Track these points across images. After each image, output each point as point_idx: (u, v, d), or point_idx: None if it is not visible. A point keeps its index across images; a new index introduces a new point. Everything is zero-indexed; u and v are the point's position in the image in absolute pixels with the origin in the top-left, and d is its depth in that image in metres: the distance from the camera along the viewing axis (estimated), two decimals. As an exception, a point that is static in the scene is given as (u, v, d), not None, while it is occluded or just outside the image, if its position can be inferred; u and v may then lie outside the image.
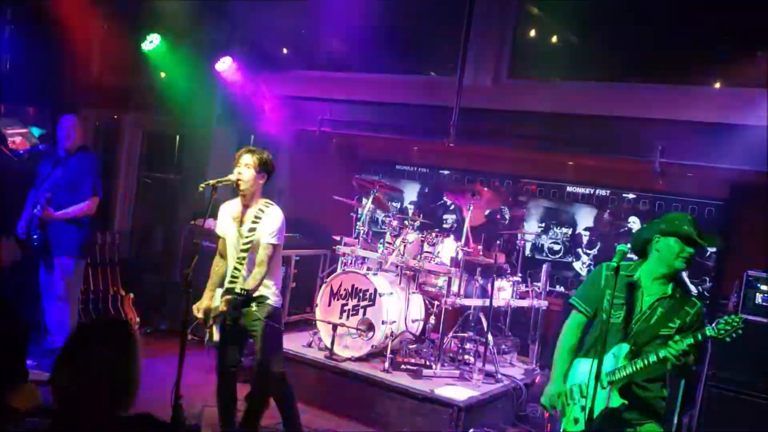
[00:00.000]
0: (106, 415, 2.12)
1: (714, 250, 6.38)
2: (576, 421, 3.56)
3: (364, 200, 6.68)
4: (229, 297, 4.13)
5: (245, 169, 4.27)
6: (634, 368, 3.42)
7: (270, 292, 4.38)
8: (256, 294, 4.31)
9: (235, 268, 4.31)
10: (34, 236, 5.68)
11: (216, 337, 4.28)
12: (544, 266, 6.62)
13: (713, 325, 3.29)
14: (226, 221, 4.44)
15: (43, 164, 5.90)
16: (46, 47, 8.08)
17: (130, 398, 2.17)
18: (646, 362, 3.39)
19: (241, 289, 4.14)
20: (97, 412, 2.10)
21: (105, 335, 2.18)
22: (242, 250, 4.30)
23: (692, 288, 6.42)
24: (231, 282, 4.30)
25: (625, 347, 3.50)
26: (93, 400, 2.09)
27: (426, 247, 6.17)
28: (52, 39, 7.89)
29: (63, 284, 5.75)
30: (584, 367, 3.56)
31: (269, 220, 4.29)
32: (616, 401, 3.48)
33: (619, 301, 3.58)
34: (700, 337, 3.29)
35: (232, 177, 4.27)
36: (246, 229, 4.30)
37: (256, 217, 4.30)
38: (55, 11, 7.75)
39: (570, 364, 3.68)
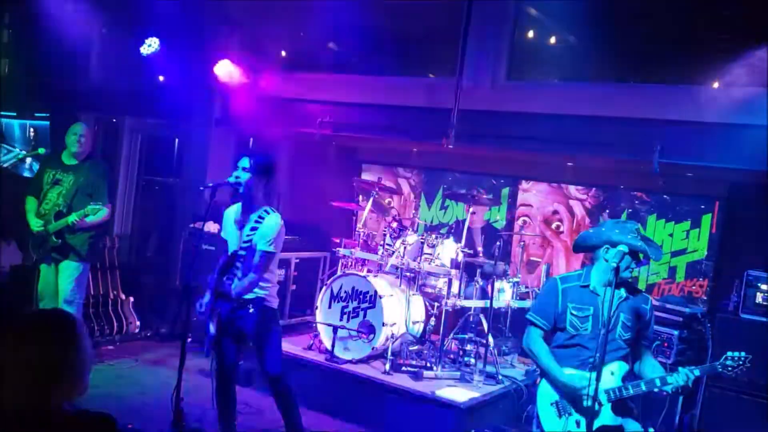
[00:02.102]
0: (41, 406, 2.03)
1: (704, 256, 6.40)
2: None
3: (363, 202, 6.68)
4: None
5: (243, 172, 4.29)
6: (636, 391, 3.45)
7: (266, 293, 4.40)
8: (252, 296, 4.34)
9: (235, 266, 4.32)
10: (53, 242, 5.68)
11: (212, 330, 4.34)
12: (543, 266, 6.61)
13: (721, 360, 3.35)
14: (229, 225, 4.48)
15: (44, 171, 5.87)
16: (45, 51, 8.08)
17: (68, 390, 2.09)
18: (648, 387, 3.43)
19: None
20: (31, 404, 2.02)
21: (33, 328, 2.10)
22: (240, 249, 4.32)
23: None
24: (227, 280, 4.33)
25: (624, 366, 3.54)
26: (24, 392, 2.02)
27: (426, 249, 6.17)
28: (51, 42, 7.89)
29: (72, 288, 5.77)
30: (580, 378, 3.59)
31: (267, 227, 4.30)
32: (614, 419, 3.52)
33: (582, 313, 3.62)
34: (698, 372, 3.36)
35: (231, 180, 4.28)
36: (246, 232, 4.32)
37: (256, 221, 4.31)
38: (54, 15, 7.75)
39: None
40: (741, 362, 3.31)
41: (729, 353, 3.35)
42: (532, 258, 7.30)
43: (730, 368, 3.32)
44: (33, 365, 2.03)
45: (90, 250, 5.81)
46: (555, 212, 7.26)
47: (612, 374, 3.54)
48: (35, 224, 5.64)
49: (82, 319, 2.28)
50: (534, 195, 7.38)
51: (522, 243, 7.02)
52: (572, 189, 7.17)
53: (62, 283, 5.72)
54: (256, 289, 4.32)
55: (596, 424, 3.50)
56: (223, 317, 4.35)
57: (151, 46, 7.31)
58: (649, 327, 3.68)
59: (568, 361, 3.65)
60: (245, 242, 4.31)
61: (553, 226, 7.25)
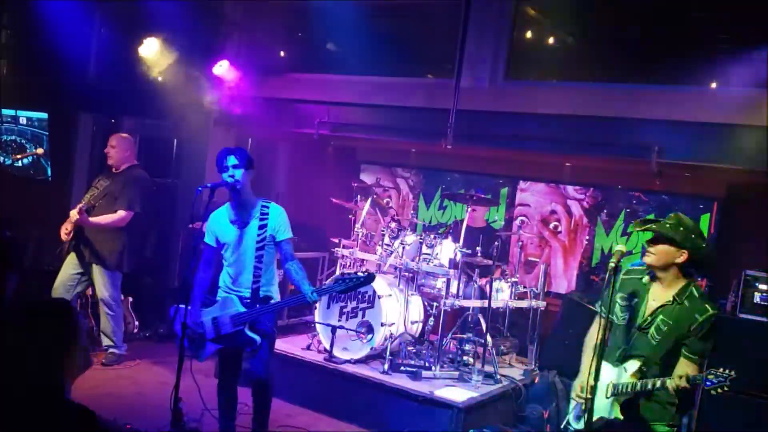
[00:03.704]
0: (39, 394, 2.07)
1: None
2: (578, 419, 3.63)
3: (362, 202, 6.69)
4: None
5: (235, 170, 4.27)
6: (638, 389, 3.44)
7: (274, 291, 4.42)
8: (264, 294, 4.35)
9: (256, 267, 4.30)
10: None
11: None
12: (542, 266, 6.62)
13: (703, 374, 3.27)
14: (224, 227, 4.41)
15: (95, 176, 6.43)
16: (43, 51, 8.07)
17: (66, 379, 2.14)
18: (649, 386, 3.41)
19: (364, 271, 4.42)
20: (27, 392, 2.05)
21: (38, 316, 2.15)
22: (258, 249, 4.31)
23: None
24: (255, 282, 4.31)
25: (634, 364, 3.50)
26: (24, 379, 2.06)
27: (424, 249, 6.18)
28: (50, 42, 7.88)
29: (102, 289, 6.16)
30: (604, 370, 3.59)
31: (277, 217, 4.34)
32: (616, 414, 3.51)
33: (625, 303, 3.61)
34: (689, 382, 3.27)
35: (229, 180, 4.26)
36: (255, 228, 4.31)
37: (262, 214, 4.31)
38: (52, 14, 7.75)
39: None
40: (723, 379, 3.20)
41: (712, 370, 3.25)
42: (530, 258, 7.31)
43: (708, 383, 3.21)
44: (23, 348, 2.08)
45: (111, 257, 6.13)
46: (553, 212, 7.28)
47: (625, 371, 3.53)
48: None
49: (78, 313, 2.29)
50: (532, 195, 7.39)
51: (520, 243, 7.03)
52: (570, 189, 7.19)
53: (96, 286, 6.21)
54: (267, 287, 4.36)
55: (598, 414, 3.52)
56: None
57: (149, 46, 7.31)
58: (695, 340, 3.44)
59: (611, 356, 3.62)
60: (260, 241, 4.30)
61: (551, 225, 7.26)
